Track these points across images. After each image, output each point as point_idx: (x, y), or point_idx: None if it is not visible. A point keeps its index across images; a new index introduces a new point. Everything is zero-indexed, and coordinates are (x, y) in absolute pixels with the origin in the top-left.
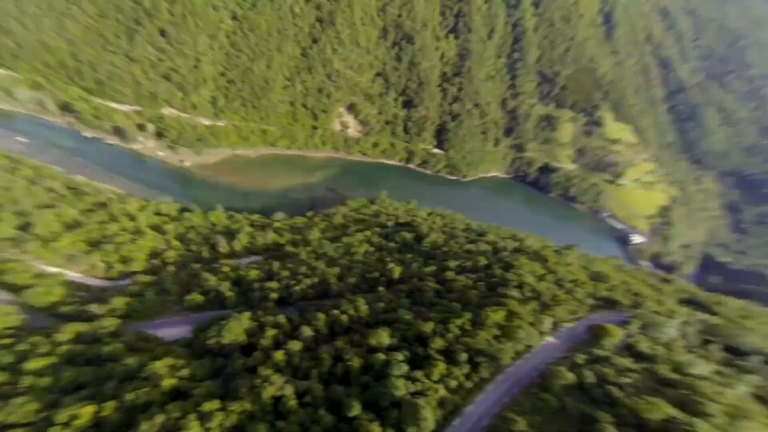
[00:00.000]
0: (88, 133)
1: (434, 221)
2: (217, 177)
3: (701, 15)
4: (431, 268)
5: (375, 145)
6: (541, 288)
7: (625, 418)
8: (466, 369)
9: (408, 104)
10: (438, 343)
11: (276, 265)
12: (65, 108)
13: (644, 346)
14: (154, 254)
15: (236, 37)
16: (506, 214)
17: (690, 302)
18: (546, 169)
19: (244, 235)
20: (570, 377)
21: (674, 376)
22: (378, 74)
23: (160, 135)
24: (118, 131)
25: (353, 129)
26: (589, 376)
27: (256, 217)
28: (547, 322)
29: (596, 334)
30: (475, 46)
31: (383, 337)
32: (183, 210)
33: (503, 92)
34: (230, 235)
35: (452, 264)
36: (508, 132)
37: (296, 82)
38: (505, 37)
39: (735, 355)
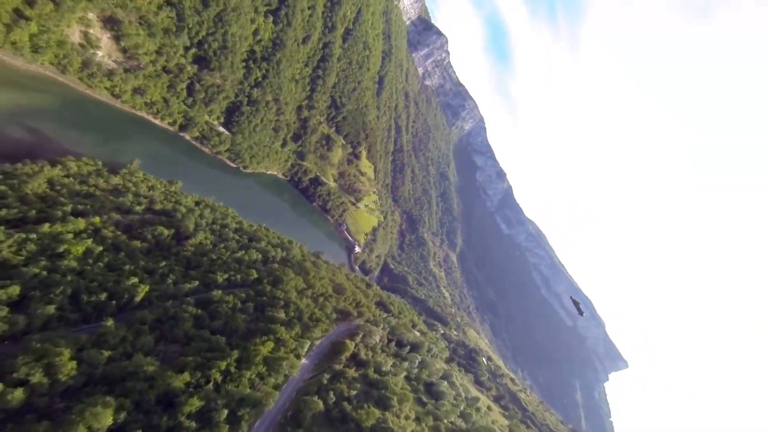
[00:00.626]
0: None
1: (202, 214)
2: None
3: (419, 107)
4: (193, 284)
5: (138, 91)
6: (303, 306)
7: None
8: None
9: (201, 62)
10: (193, 404)
11: None
12: None
13: (363, 353)
14: None
15: None
16: (275, 214)
17: (380, 304)
18: (316, 181)
19: None
20: (319, 405)
21: (376, 376)
22: (170, 3)
23: None
24: None
25: (106, 55)
26: (331, 397)
27: None
28: (306, 346)
29: (336, 349)
30: (289, 42)
31: (101, 416)
32: None
33: (301, 100)
34: None
35: (220, 278)
36: (296, 138)
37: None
38: (316, 51)
39: (400, 347)
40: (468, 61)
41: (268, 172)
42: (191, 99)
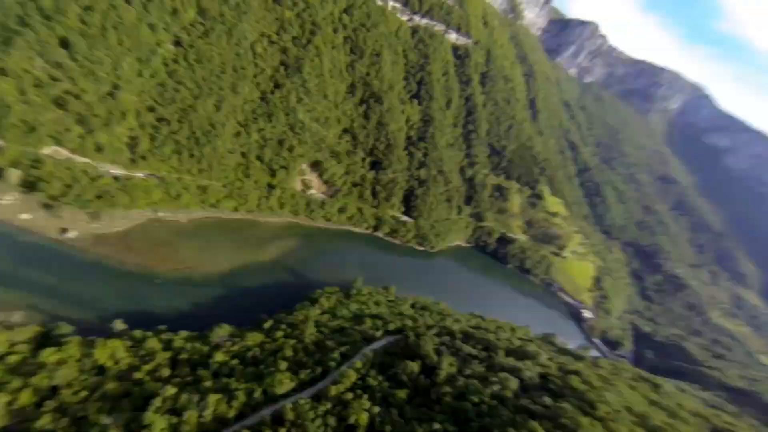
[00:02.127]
0: None
1: (424, 318)
2: (122, 256)
3: (590, 110)
4: None
5: (341, 210)
6: None
7: None
8: None
9: (376, 166)
10: None
11: None
12: None
13: None
14: None
15: (178, 66)
16: (471, 287)
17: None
18: (503, 240)
19: (160, 419)
20: None
21: None
22: (345, 130)
23: (30, 186)
24: None
25: (317, 190)
26: None
27: (181, 338)
28: None
29: None
30: (436, 113)
31: None
32: (43, 338)
33: (461, 160)
34: (132, 400)
35: None
36: (468, 201)
37: (252, 130)
38: (460, 109)
39: None
40: (637, 30)
41: (453, 244)
42: (375, 200)
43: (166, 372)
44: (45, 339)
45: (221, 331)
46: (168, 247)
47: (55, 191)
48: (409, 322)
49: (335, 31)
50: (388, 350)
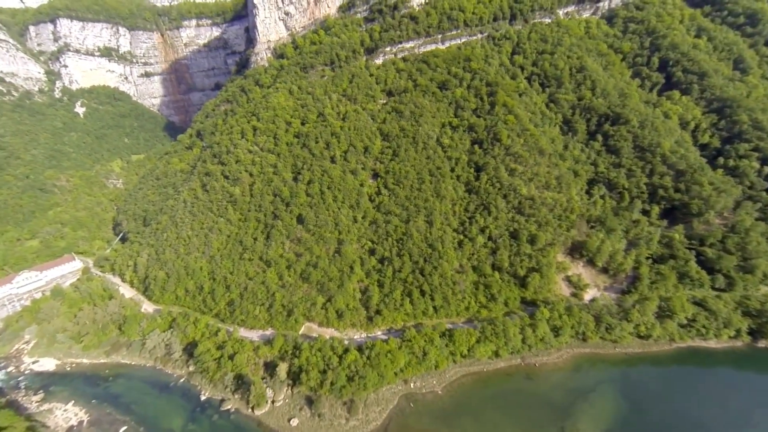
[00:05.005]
0: (206, 394)
1: None
2: None
3: None
4: None
5: (663, 314)
6: None
7: None
8: None
9: (672, 214)
10: None
11: None
12: (189, 352)
13: None
14: None
15: (381, 197)
16: None
17: None
18: None
19: None
20: None
21: None
22: (592, 182)
23: (294, 378)
24: (241, 383)
25: (596, 286)
26: None
27: None
28: None
29: None
30: None
31: None
32: None
33: None
34: None
35: None
36: None
37: (473, 234)
38: None
39: None
40: None
41: None
42: (716, 274)
43: None
44: None
45: None
46: None
47: (313, 381)
48: None
49: (513, 77)
50: None
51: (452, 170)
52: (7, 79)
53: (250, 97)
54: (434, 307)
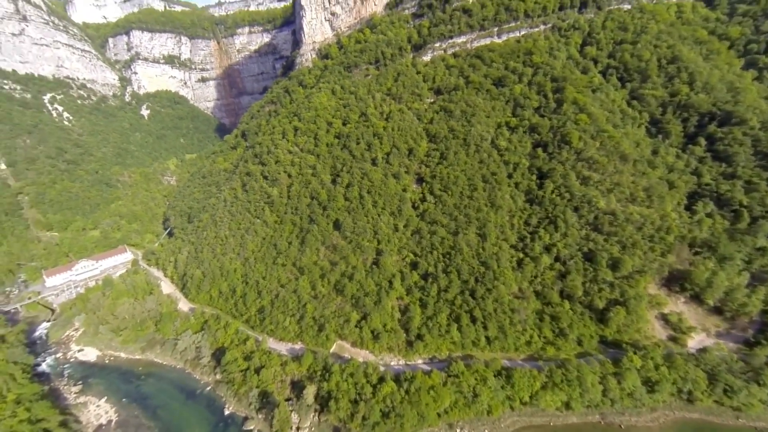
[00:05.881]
0: (230, 408)
1: None
2: None
3: None
4: None
5: None
6: None
7: None
8: None
9: None
10: None
11: None
12: (218, 358)
13: None
14: None
15: (426, 204)
16: None
17: None
18: None
19: None
20: None
21: None
22: (695, 195)
23: (323, 403)
24: (266, 402)
25: (703, 329)
26: None
27: None
28: None
29: None
30: None
31: None
32: None
33: None
34: None
35: None
36: None
37: (536, 252)
38: None
39: None
40: None
41: None
42: None
43: None
44: None
45: None
46: None
47: (343, 412)
48: None
49: (584, 71)
50: None
51: (510, 176)
52: (88, 85)
53: (293, 98)
54: (487, 338)
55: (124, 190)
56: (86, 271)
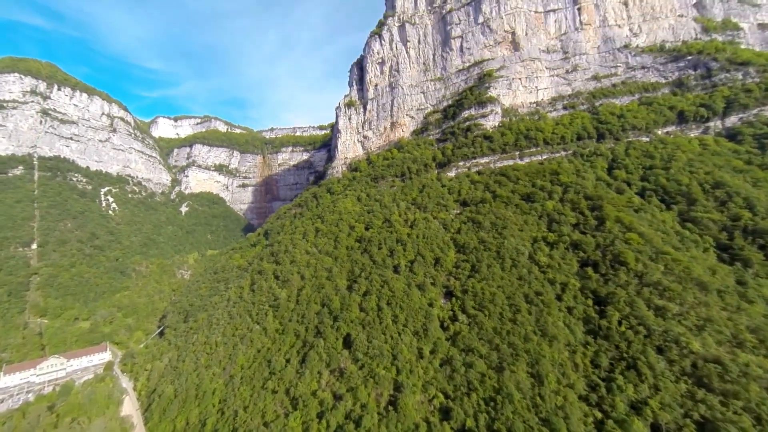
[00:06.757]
0: None
1: None
2: None
3: None
4: None
5: None
6: None
7: None
8: None
9: None
10: None
11: None
12: None
13: None
14: None
15: (457, 325)
16: None
17: None
18: None
19: None
20: None
21: None
22: None
23: None
24: None
25: None
26: None
27: None
28: None
29: None
30: None
31: None
32: None
33: None
34: None
35: None
36: None
37: (619, 408)
38: None
39: None
40: None
41: None
42: None
43: None
44: None
45: None
46: None
47: None
48: None
49: (619, 191)
50: None
51: (558, 298)
52: (143, 183)
53: (320, 202)
54: None
55: (136, 280)
56: (51, 371)
